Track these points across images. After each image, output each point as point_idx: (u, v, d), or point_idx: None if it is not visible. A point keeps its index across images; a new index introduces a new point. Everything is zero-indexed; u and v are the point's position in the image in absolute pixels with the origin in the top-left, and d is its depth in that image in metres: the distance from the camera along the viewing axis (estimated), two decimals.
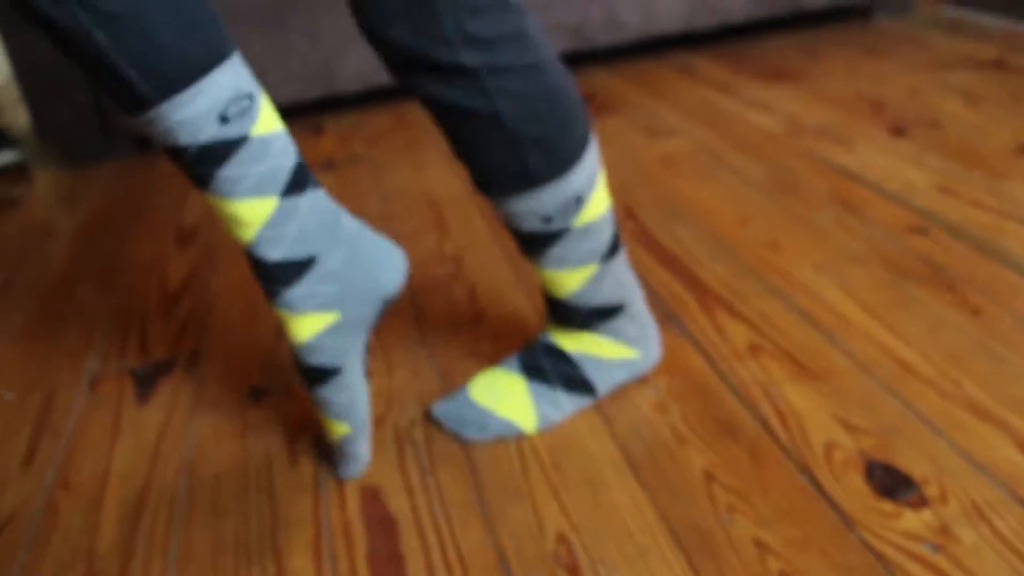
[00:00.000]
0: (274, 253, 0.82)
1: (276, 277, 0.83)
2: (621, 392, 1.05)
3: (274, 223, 0.81)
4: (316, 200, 0.84)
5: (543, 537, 0.86)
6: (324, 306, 0.85)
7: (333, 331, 0.86)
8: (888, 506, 0.85)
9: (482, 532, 0.87)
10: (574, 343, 1.02)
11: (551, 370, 1.02)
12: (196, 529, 0.92)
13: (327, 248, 0.85)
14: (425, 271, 1.39)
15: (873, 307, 1.16)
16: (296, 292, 0.84)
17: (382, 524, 0.90)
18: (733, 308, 1.19)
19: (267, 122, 0.79)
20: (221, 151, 0.76)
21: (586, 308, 0.98)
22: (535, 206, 0.89)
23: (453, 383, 1.10)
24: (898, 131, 1.73)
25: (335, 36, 2.05)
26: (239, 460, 1.01)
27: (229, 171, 0.77)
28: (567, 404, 1.01)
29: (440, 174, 1.77)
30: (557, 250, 0.92)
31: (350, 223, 0.88)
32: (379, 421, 1.05)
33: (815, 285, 1.23)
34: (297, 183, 0.82)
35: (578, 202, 0.89)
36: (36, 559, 0.91)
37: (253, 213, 0.80)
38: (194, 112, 0.74)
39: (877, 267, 1.26)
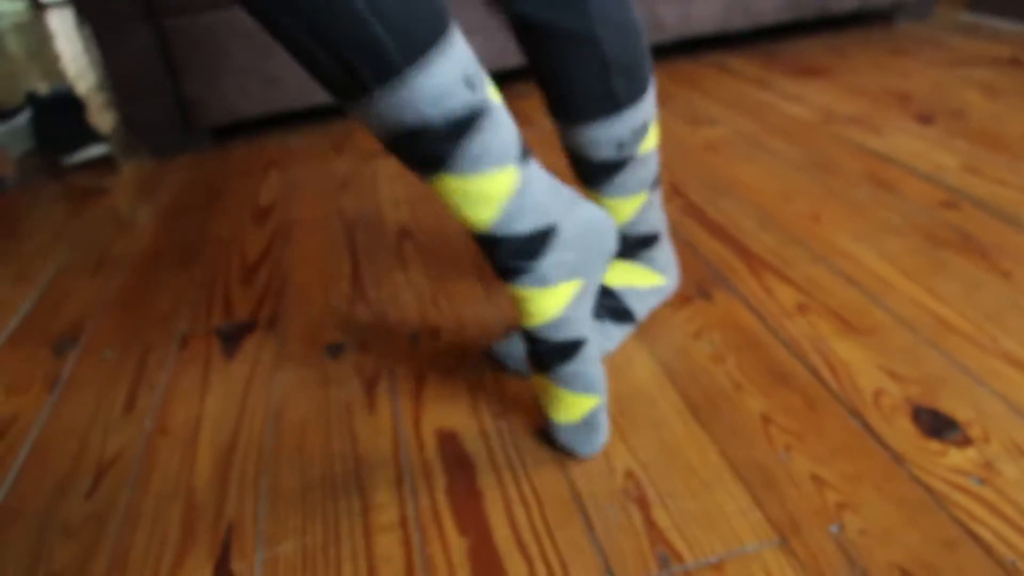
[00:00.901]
0: (522, 225, 0.74)
1: (527, 251, 0.75)
2: (680, 346, 1.04)
3: (519, 194, 0.72)
4: (540, 167, 0.76)
5: (612, 474, 0.85)
6: (571, 274, 0.79)
7: (578, 300, 0.81)
8: (935, 445, 0.84)
9: (555, 471, 0.87)
10: (615, 276, 1.03)
11: (598, 305, 1.02)
12: (284, 469, 0.93)
13: (563, 214, 0.77)
14: None
15: (911, 271, 1.14)
16: (548, 263, 0.76)
17: (459, 463, 0.90)
18: (780, 272, 1.18)
19: (491, 88, 0.70)
20: (470, 120, 0.66)
21: (634, 237, 1.01)
22: (613, 132, 0.89)
23: None
24: (924, 120, 1.70)
25: None
26: (321, 408, 1.02)
27: (476, 142, 0.68)
28: (616, 334, 1.03)
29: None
30: (622, 177, 0.93)
31: (567, 188, 0.81)
32: (452, 372, 1.05)
33: (856, 252, 1.21)
34: (525, 150, 0.74)
35: (644, 128, 0.91)
36: (140, 494, 0.92)
37: (499, 186, 0.71)
38: (443, 77, 0.63)
39: (913, 237, 1.24)
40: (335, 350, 1.13)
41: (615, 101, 0.88)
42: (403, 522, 0.83)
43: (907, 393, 0.91)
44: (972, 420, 0.86)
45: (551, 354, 0.82)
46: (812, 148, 1.62)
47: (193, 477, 0.93)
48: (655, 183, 0.97)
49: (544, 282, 0.77)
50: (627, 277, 1.03)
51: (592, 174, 0.94)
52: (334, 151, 1.96)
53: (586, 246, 0.80)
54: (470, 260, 1.33)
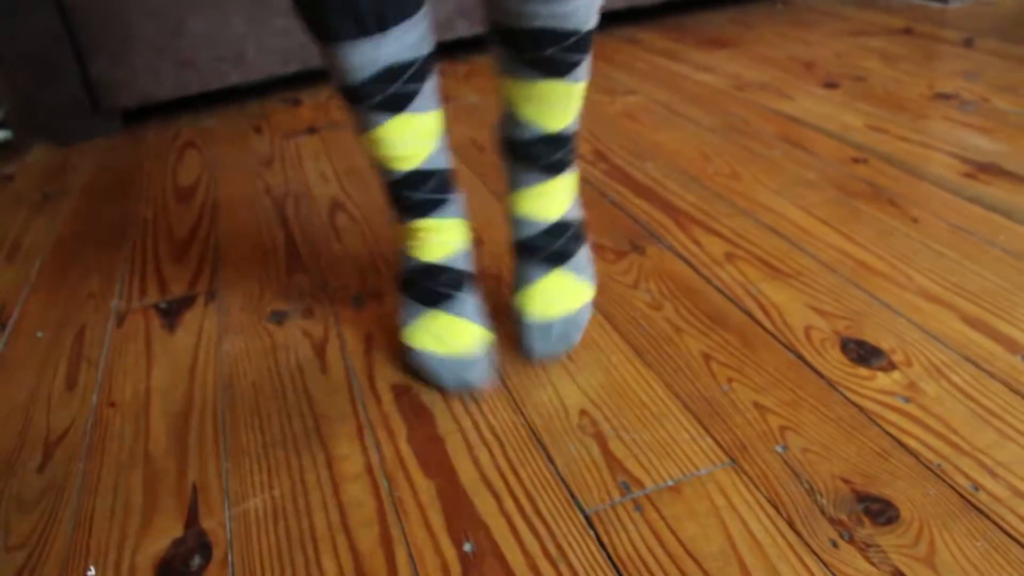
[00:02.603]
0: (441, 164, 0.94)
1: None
2: (619, 296, 1.09)
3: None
4: None
5: (567, 413, 0.90)
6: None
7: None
8: (863, 371, 0.91)
9: (511, 413, 0.91)
10: (562, 204, 0.99)
11: (570, 242, 0.99)
12: (243, 430, 0.94)
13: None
14: None
15: (829, 220, 1.23)
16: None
17: (417, 414, 0.93)
18: (707, 226, 1.25)
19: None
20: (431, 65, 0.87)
21: (574, 141, 0.97)
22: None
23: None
24: (829, 85, 1.81)
25: None
26: (272, 373, 1.03)
27: (431, 84, 0.88)
28: (588, 264, 1.02)
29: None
30: (590, 52, 0.89)
31: None
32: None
33: (776, 205, 1.29)
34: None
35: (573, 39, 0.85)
36: (96, 465, 0.92)
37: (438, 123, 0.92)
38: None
39: (828, 189, 1.32)
40: (280, 317, 1.15)
41: None
42: (369, 470, 0.86)
43: (835, 327, 0.99)
44: (895, 347, 0.94)
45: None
46: (727, 113, 1.70)
47: (150, 445, 0.94)
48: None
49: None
50: (569, 198, 0.99)
51: (573, 50, 0.85)
52: (253, 131, 1.95)
53: None
54: None
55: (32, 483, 0.90)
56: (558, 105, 0.90)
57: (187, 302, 1.22)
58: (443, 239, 0.96)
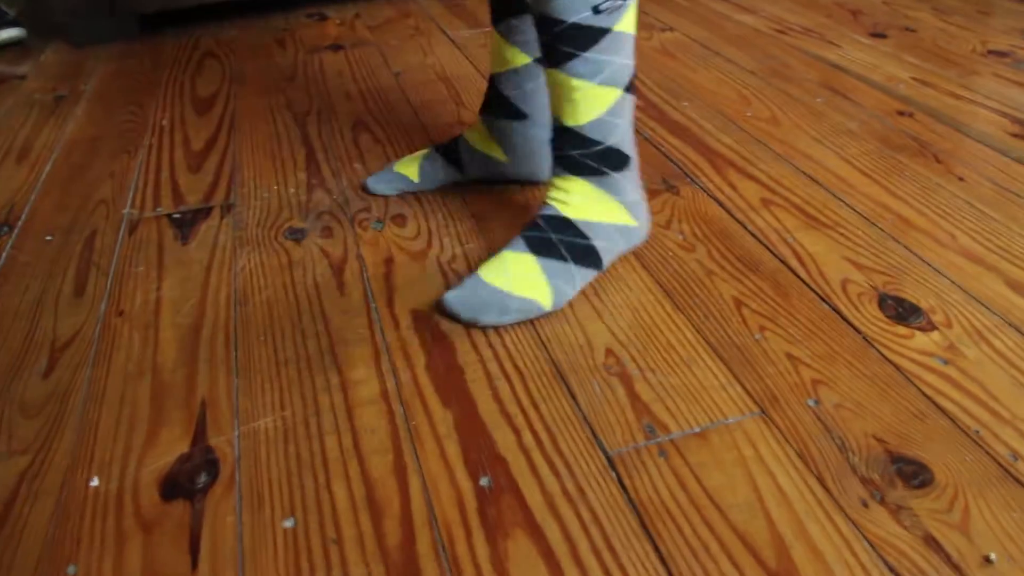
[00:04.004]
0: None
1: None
2: (650, 235, 1.06)
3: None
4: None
5: (593, 351, 0.87)
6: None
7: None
8: (901, 329, 0.88)
9: (535, 348, 0.88)
10: (578, 207, 0.93)
11: (559, 242, 0.93)
12: (255, 346, 0.92)
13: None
14: (449, 133, 1.38)
15: (871, 172, 1.18)
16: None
17: (437, 341, 0.90)
18: (744, 170, 1.20)
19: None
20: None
21: (602, 147, 0.90)
22: None
23: (488, 226, 1.10)
24: (876, 35, 1.74)
25: None
26: (288, 290, 1.01)
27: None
28: (578, 277, 0.93)
29: (449, 56, 1.74)
30: (595, 54, 0.85)
31: None
32: (422, 256, 1.04)
33: (816, 154, 1.24)
34: (632, 85, 0.89)
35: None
36: (103, 373, 0.90)
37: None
38: None
39: (870, 141, 1.28)
40: (297, 234, 1.12)
41: None
42: (384, 395, 0.83)
43: (873, 282, 0.95)
44: (935, 307, 0.91)
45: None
46: (767, 56, 1.64)
47: (158, 356, 0.91)
48: (631, 85, 0.90)
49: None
50: (591, 207, 0.93)
51: (562, 47, 0.85)
52: (276, 44, 1.90)
53: None
54: None
55: (37, 388, 0.88)
56: (564, 97, 0.89)
57: (202, 213, 1.19)
58: None
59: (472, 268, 1.02)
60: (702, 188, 1.16)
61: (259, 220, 1.16)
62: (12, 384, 0.89)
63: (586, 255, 0.93)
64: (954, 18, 1.81)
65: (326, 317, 0.95)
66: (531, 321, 0.92)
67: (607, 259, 0.95)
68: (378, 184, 1.19)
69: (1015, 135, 1.28)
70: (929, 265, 0.98)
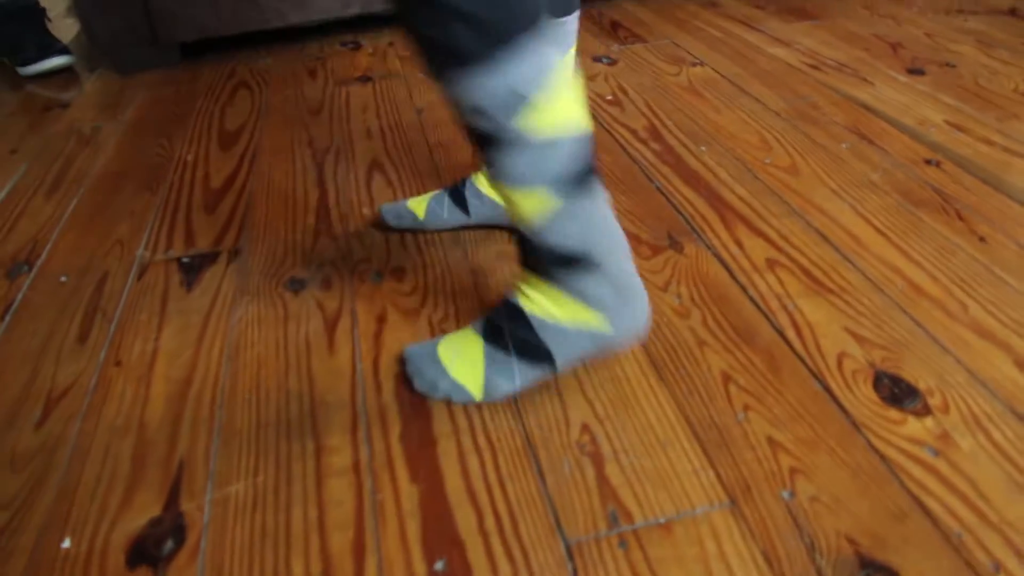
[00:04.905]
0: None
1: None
2: None
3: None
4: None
5: (569, 426, 0.85)
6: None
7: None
8: (894, 413, 0.84)
9: (511, 419, 0.87)
10: (536, 302, 0.85)
11: (510, 334, 0.86)
12: (239, 406, 0.92)
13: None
14: (462, 176, 1.37)
15: (886, 231, 1.14)
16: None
17: (415, 408, 0.89)
18: (753, 225, 1.17)
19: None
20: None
21: (547, 249, 0.80)
22: (466, 93, 0.71)
23: (485, 282, 1.09)
24: (914, 71, 1.68)
25: None
26: (280, 346, 1.01)
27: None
28: (520, 376, 0.86)
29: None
30: (503, 158, 0.74)
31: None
32: (415, 314, 1.04)
33: (832, 208, 1.20)
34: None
35: (520, 100, 0.70)
36: (92, 426, 0.91)
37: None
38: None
39: (891, 195, 1.23)
40: (298, 284, 1.12)
41: (457, 56, 0.69)
42: (356, 466, 0.83)
43: (871, 358, 0.92)
44: (933, 389, 0.87)
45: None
46: (796, 95, 1.59)
47: (146, 411, 0.92)
48: (574, 184, 0.76)
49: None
50: (549, 306, 0.84)
51: (476, 139, 0.76)
52: (308, 74, 1.91)
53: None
54: None
55: (28, 439, 0.90)
56: (501, 194, 0.80)
57: (210, 258, 1.20)
58: None
59: (460, 326, 1.01)
60: (707, 246, 1.13)
61: (263, 268, 1.16)
62: (6, 434, 0.91)
63: (533, 353, 0.85)
64: (998, 52, 1.74)
65: (312, 377, 0.95)
66: (513, 393, 0.90)
67: (563, 360, 0.85)
68: (389, 214, 1.19)
69: None
70: (934, 340, 0.94)
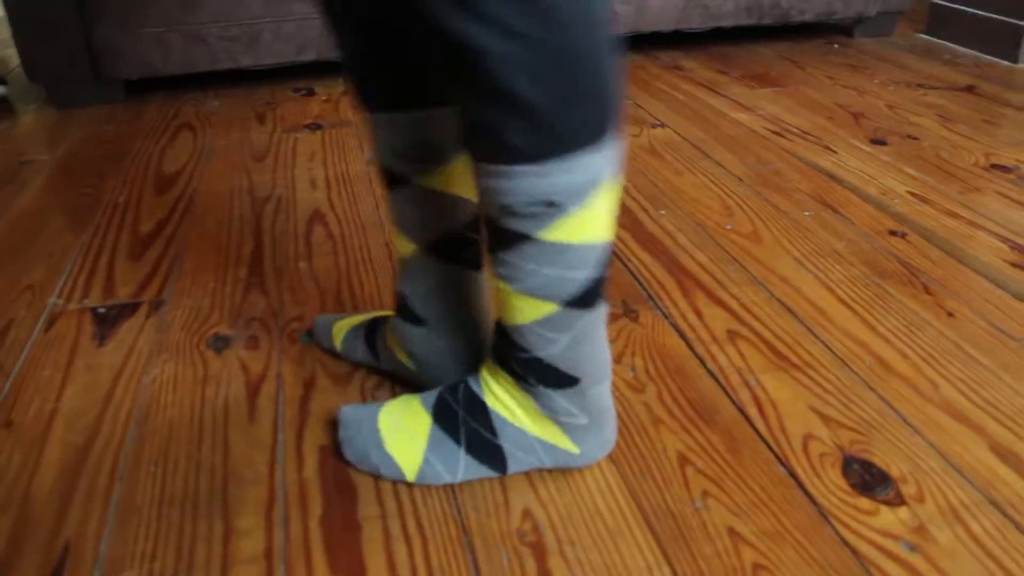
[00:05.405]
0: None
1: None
2: None
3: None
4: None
5: (509, 512, 0.77)
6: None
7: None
8: (865, 503, 0.77)
9: (445, 502, 0.78)
10: (503, 401, 0.78)
11: (462, 422, 0.79)
12: (142, 479, 0.82)
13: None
14: None
15: (852, 303, 1.08)
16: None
17: (339, 486, 0.80)
18: (714, 294, 1.11)
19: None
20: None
21: (533, 360, 0.74)
22: (502, 188, 0.65)
23: None
24: (877, 141, 1.65)
25: None
26: (195, 410, 0.91)
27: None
28: (463, 470, 0.79)
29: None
30: (514, 258, 0.68)
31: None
32: (346, 380, 0.95)
33: (795, 278, 1.14)
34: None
35: (559, 212, 0.65)
36: None
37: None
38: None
39: (857, 266, 1.18)
40: (220, 343, 1.03)
41: (505, 151, 0.62)
42: (268, 553, 0.73)
43: (839, 440, 0.85)
44: (907, 475, 0.80)
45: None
46: (759, 161, 1.55)
47: (34, 482, 0.82)
48: (579, 300, 0.70)
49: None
50: (517, 411, 0.77)
51: (488, 235, 0.71)
52: (256, 119, 1.84)
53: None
54: (382, 254, 1.23)
55: None
56: (494, 285, 0.74)
57: (128, 310, 1.10)
58: None
59: (394, 394, 0.92)
60: (664, 314, 1.06)
61: (185, 323, 1.07)
62: None
63: (484, 450, 0.78)
64: (959, 127, 1.73)
65: (227, 447, 0.86)
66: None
67: (515, 467, 0.79)
68: (316, 328, 1.01)
69: (1014, 264, 1.17)
70: (905, 421, 0.87)
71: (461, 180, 0.80)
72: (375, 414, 0.82)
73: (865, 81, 2.05)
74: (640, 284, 1.13)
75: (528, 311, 0.70)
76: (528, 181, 0.63)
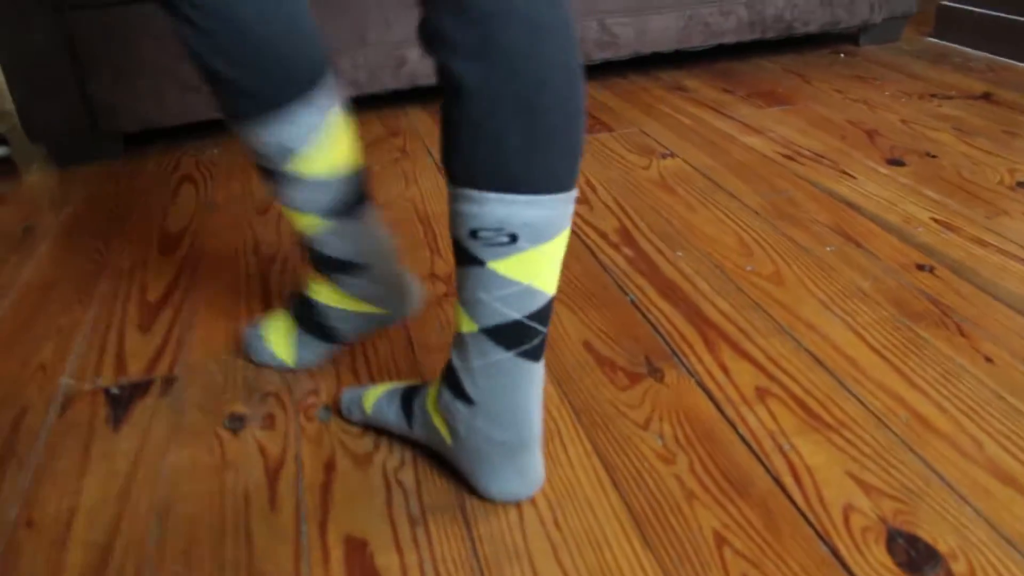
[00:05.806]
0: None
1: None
2: (624, 439, 0.94)
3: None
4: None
5: None
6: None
7: None
8: None
9: None
10: (323, 293, 1.03)
11: (306, 318, 1.05)
12: None
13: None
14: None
15: (884, 350, 1.06)
16: None
17: None
18: (739, 346, 1.08)
19: (512, 268, 0.72)
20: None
21: (322, 256, 0.98)
22: (246, 140, 0.89)
23: None
24: (894, 162, 1.63)
25: (332, 40, 1.93)
26: (215, 499, 0.90)
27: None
28: (319, 348, 1.07)
29: (431, 189, 1.65)
30: (279, 190, 0.92)
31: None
32: (367, 461, 0.93)
33: (822, 323, 1.12)
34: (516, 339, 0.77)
35: (290, 152, 0.87)
36: None
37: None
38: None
39: (885, 307, 1.15)
40: (237, 422, 1.01)
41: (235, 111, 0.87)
42: None
43: (881, 511, 0.82)
44: (956, 550, 0.78)
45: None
46: (774, 190, 1.53)
47: None
48: (341, 211, 0.93)
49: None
50: (334, 297, 1.02)
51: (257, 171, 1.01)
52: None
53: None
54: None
55: None
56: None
57: (141, 389, 1.09)
58: None
59: (418, 477, 0.90)
60: (690, 372, 1.04)
61: (199, 401, 1.05)
62: None
63: (326, 331, 1.06)
64: (979, 140, 1.70)
65: (250, 541, 0.84)
66: (477, 559, 0.80)
67: (349, 336, 1.06)
68: (345, 399, 0.99)
69: None
70: (950, 487, 0.85)
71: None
72: (261, 323, 1.10)
73: (875, 93, 2.03)
74: (663, 338, 1.11)
75: (305, 224, 0.95)
76: (259, 134, 0.86)
